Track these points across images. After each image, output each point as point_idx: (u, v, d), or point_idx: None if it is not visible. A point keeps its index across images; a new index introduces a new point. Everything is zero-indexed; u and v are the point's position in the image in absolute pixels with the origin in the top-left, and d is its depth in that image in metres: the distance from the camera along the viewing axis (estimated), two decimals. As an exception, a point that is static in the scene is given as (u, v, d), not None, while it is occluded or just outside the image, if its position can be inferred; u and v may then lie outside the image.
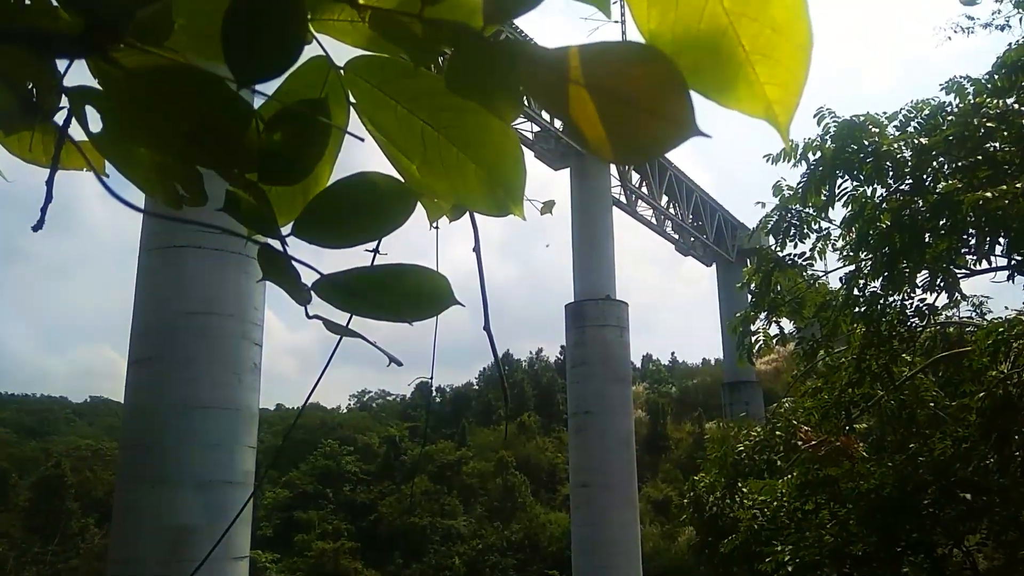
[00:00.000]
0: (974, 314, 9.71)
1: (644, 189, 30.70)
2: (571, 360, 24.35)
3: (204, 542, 9.63)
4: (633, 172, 30.00)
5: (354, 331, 0.76)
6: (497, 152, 0.76)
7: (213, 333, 11.10)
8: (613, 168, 27.97)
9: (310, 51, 0.81)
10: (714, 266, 36.88)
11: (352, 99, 0.82)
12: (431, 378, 1.60)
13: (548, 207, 1.53)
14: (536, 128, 25.48)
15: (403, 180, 0.77)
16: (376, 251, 1.09)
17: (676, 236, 34.11)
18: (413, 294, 0.74)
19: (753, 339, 8.93)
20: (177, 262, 11.16)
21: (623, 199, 29.70)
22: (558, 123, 23.62)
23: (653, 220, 32.36)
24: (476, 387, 67.52)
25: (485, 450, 50.75)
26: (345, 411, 69.09)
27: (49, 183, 0.96)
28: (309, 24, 0.75)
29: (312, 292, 0.70)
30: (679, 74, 0.55)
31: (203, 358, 11.01)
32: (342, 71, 0.80)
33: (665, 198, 32.09)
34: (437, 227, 1.27)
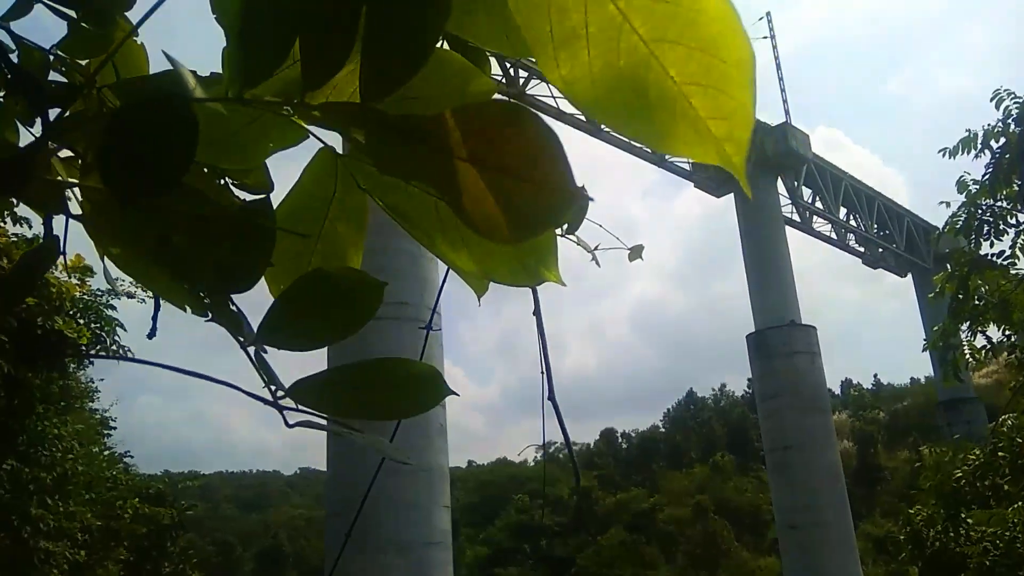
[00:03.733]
0: None
1: (818, 204, 28.98)
2: (760, 393, 23.11)
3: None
4: (804, 188, 28.46)
5: (343, 426, 0.72)
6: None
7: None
8: (781, 186, 26.79)
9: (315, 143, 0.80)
10: (910, 275, 33.90)
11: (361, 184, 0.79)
12: (543, 444, 1.55)
13: (637, 252, 1.44)
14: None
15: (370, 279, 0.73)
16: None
17: (861, 249, 31.74)
18: (398, 390, 0.70)
19: (958, 353, 8.06)
20: (360, 332, 11.89)
21: (796, 217, 28.17)
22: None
23: (833, 235, 30.37)
24: (663, 429, 65.51)
25: (680, 495, 48.99)
26: (532, 463, 69.62)
27: (156, 297, 1.03)
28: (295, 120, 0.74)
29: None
30: (550, 134, 0.47)
31: (393, 422, 11.54)
32: (346, 158, 0.78)
33: (843, 210, 30.08)
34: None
